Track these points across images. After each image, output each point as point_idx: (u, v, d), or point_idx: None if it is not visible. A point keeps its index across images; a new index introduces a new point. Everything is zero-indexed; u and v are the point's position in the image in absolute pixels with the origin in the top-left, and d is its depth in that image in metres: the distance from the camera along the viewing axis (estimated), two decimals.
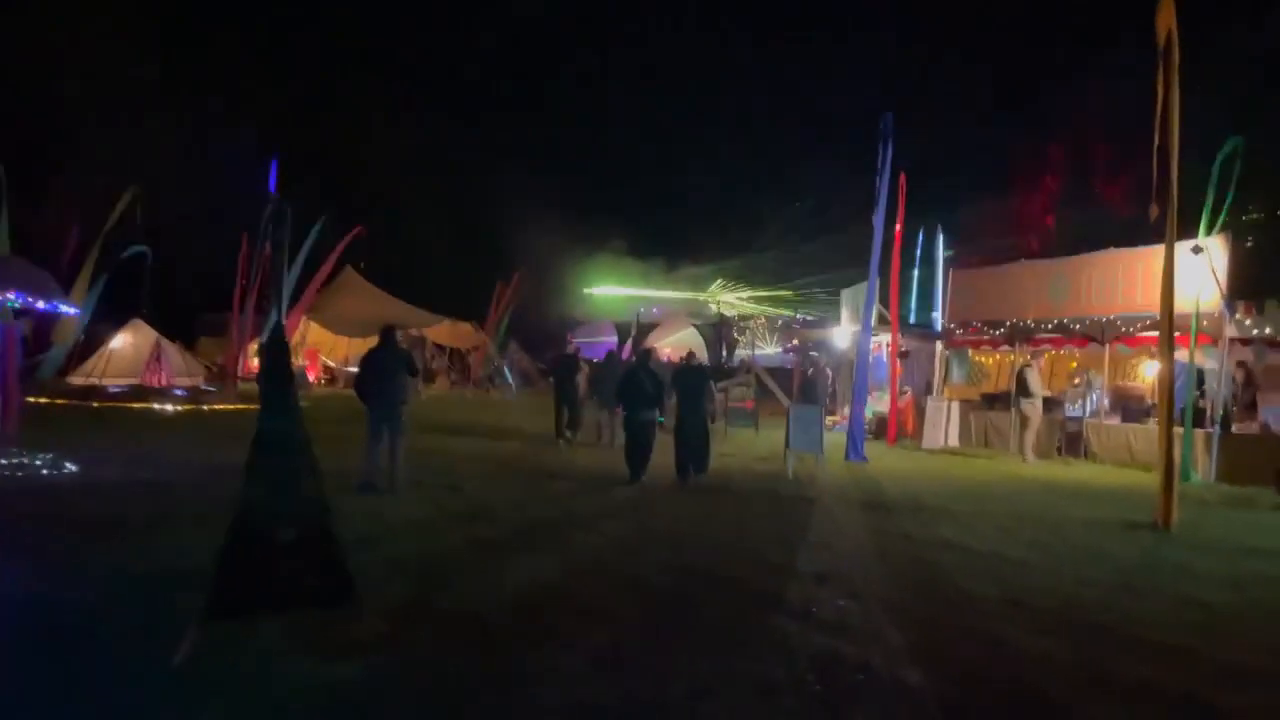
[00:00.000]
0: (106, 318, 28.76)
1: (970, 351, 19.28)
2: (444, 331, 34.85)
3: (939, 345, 18.87)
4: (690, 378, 12.71)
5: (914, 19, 62.26)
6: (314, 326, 33.71)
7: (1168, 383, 10.19)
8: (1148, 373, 18.42)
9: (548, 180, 52.98)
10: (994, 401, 18.17)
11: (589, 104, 68.54)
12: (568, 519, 9.41)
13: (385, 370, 10.51)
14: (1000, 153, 43.21)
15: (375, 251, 35.75)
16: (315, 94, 42.32)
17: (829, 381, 17.13)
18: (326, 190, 36.56)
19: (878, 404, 21.27)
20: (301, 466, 5.35)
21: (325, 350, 35.14)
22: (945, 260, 24.34)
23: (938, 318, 21.22)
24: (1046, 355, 17.29)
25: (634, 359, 14.14)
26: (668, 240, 54.62)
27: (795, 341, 34.41)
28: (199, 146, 36.15)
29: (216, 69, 37.84)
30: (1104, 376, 16.07)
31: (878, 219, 14.96)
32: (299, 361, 33.93)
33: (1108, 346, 15.53)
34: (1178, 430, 11.67)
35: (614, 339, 48.46)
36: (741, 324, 53.52)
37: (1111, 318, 15.23)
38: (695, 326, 51.04)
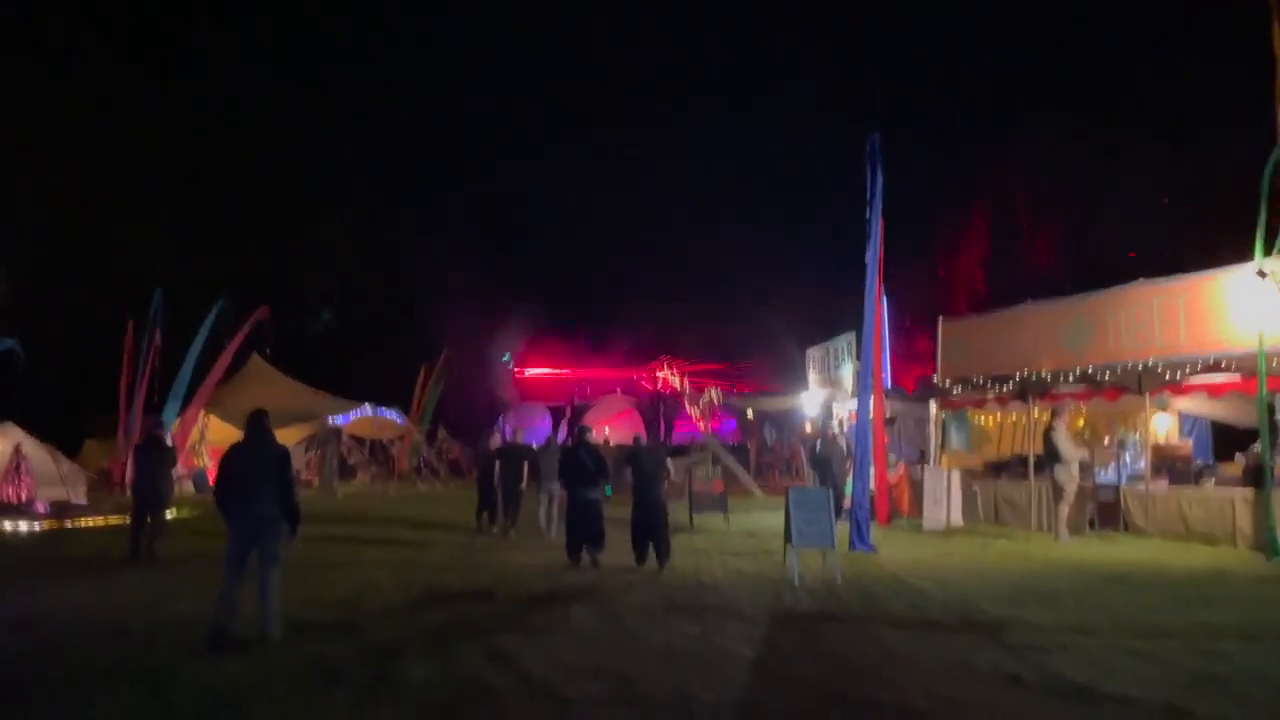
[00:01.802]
0: None
1: (969, 412, 16.82)
2: (364, 424, 31.40)
3: (933, 407, 16.35)
4: (644, 458, 11.80)
5: (837, 71, 61.79)
6: (214, 421, 29.97)
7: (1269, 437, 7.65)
8: (1159, 427, 16.15)
9: (469, 258, 50.44)
10: (1002, 470, 15.65)
11: (508, 176, 66.54)
12: (514, 675, 6.38)
13: (253, 471, 7.48)
14: (922, 213, 42.21)
15: (283, 336, 32.30)
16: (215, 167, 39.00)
17: (844, 454, 14.40)
18: (226, 269, 33.19)
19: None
20: None
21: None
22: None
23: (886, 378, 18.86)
24: (1071, 411, 14.80)
25: (570, 439, 13.67)
26: (597, 316, 52.24)
27: (750, 415, 31.96)
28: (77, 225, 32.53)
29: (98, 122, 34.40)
30: (1139, 433, 13.64)
31: (871, 256, 12.49)
32: (198, 461, 30.21)
33: (1147, 397, 13.14)
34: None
35: (548, 422, 45.81)
36: (679, 399, 51.36)
37: (1150, 363, 12.86)
38: (632, 406, 48.93)
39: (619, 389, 50.62)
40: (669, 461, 12.39)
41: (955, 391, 15.94)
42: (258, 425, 7.72)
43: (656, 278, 56.67)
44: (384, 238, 45.76)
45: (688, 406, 24.62)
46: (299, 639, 7.37)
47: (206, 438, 30.03)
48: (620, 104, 67.67)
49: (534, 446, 16.90)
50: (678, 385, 22.25)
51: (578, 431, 12.57)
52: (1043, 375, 14.42)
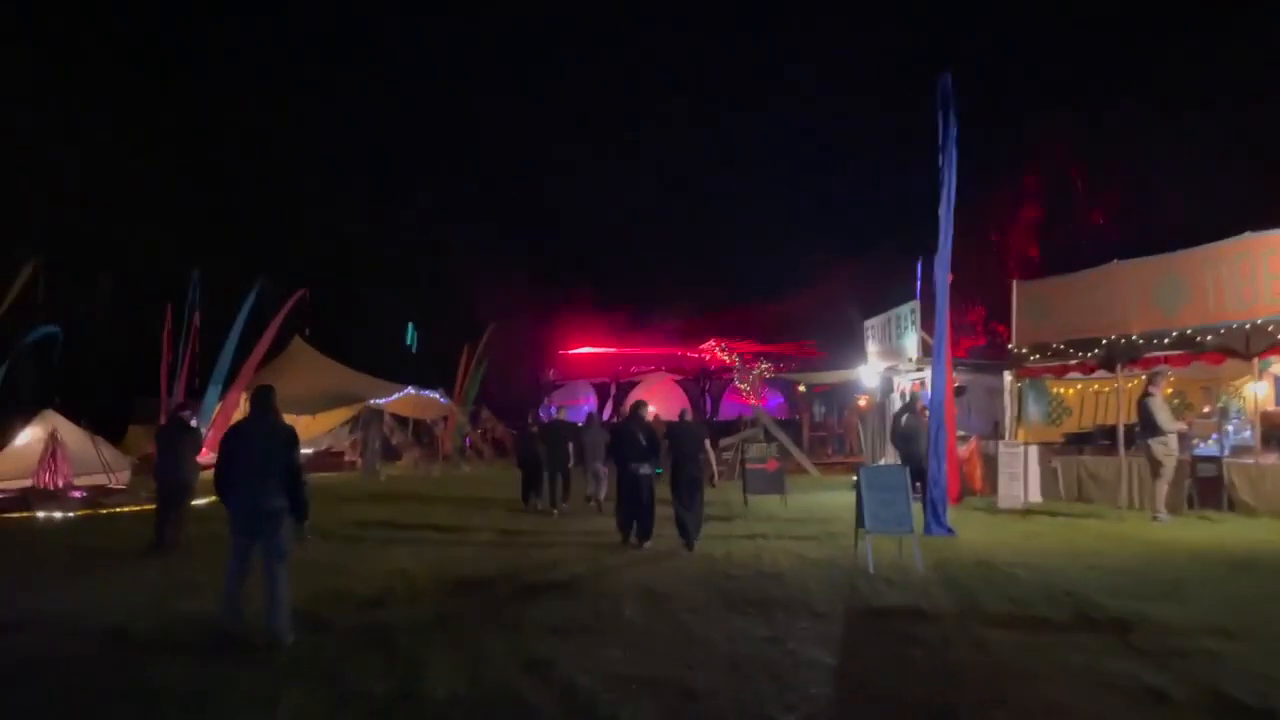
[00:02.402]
0: (13, 410, 24.74)
1: (1048, 381, 15.53)
2: (406, 403, 30.71)
3: (1007, 377, 15.10)
4: (684, 435, 11.59)
5: (880, 45, 59.83)
6: None
7: None
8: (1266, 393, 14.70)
9: (512, 236, 49.64)
10: (1085, 443, 14.40)
11: (552, 154, 65.51)
12: (554, 689, 5.42)
13: (256, 455, 6.59)
14: (974, 184, 40.41)
15: (322, 317, 31.69)
16: (251, 146, 38.50)
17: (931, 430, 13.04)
18: (265, 250, 32.64)
19: None
20: None
21: None
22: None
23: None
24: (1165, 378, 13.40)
25: (624, 414, 13.78)
26: (641, 293, 51.10)
27: (801, 388, 30.77)
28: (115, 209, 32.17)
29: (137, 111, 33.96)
30: (1243, 400, 12.32)
31: (944, 211, 11.27)
32: None
33: (1256, 361, 11.83)
34: None
35: (593, 400, 44.96)
36: (729, 376, 50.11)
37: (1260, 322, 11.54)
38: (676, 382, 47.80)
39: (663, 366, 49.64)
40: (707, 442, 11.94)
41: (1033, 359, 14.67)
42: (264, 403, 6.84)
43: (702, 252, 55.41)
44: (425, 217, 45.15)
45: (738, 382, 23.59)
46: (313, 644, 6.49)
47: None
48: (664, 81, 66.15)
49: (577, 425, 16.45)
50: (727, 359, 21.26)
51: (633, 406, 12.23)
52: (1133, 339, 13.12)
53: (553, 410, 33.60)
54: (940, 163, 11.30)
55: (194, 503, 12.55)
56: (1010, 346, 15.02)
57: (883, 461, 19.87)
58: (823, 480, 21.17)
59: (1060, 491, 14.49)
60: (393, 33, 59.57)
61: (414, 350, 38.30)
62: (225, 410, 27.65)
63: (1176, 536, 10.88)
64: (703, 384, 49.19)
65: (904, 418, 11.62)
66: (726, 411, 43.05)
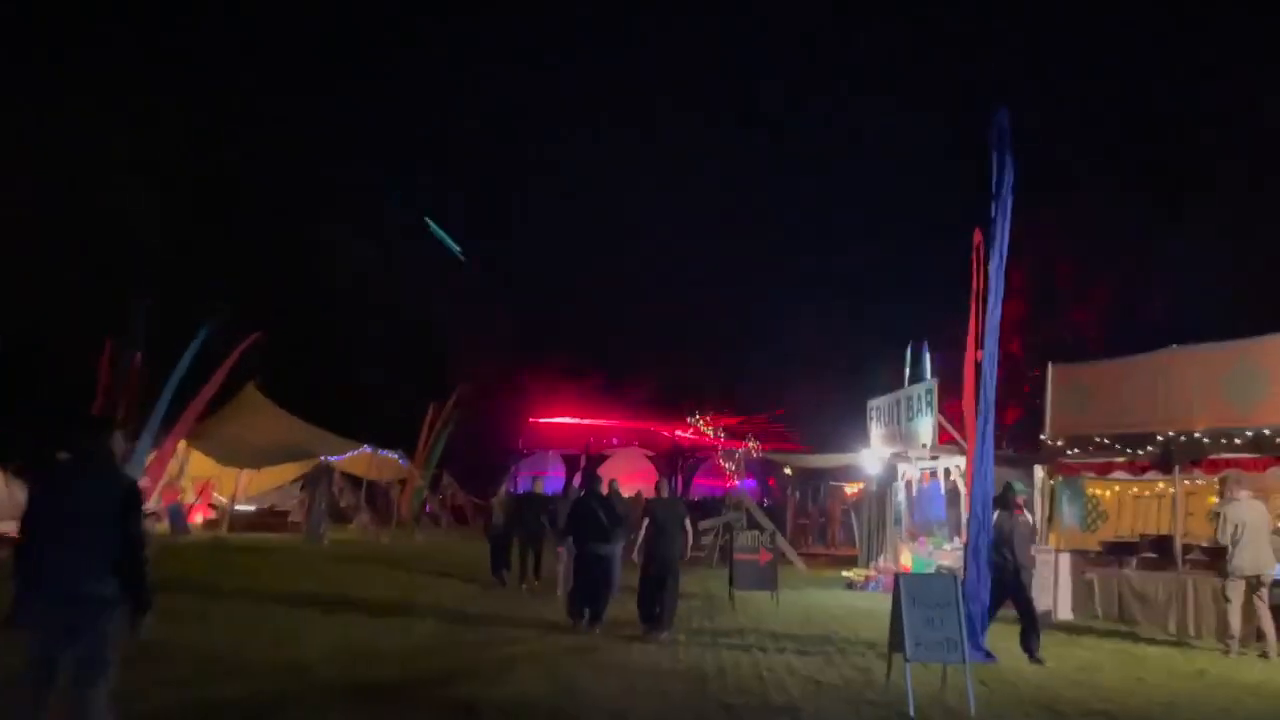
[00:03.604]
0: None
1: (1085, 480, 13.65)
2: (360, 461, 28.40)
3: (1038, 472, 13.22)
4: (663, 512, 10.86)
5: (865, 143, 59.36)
6: (197, 456, 27.07)
7: None
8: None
9: (486, 298, 47.84)
10: (1127, 554, 12.50)
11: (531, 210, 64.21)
12: None
13: (75, 517, 4.52)
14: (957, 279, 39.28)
15: (277, 363, 29.52)
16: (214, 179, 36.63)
17: (1032, 533, 10.63)
18: (220, 286, 30.58)
19: (935, 553, 15.51)
20: None
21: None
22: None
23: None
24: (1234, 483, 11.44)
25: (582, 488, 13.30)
26: (615, 364, 49.30)
27: (788, 470, 28.80)
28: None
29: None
30: None
31: (996, 268, 9.53)
32: (187, 499, 27.36)
33: None
34: None
35: (562, 472, 42.81)
36: (700, 454, 48.16)
37: None
38: (648, 458, 46.01)
39: (635, 441, 48.01)
40: (687, 521, 11.13)
41: (1070, 453, 12.85)
42: (95, 442, 4.77)
43: (680, 327, 53.88)
44: (397, 272, 43.31)
45: (721, 460, 21.77)
46: None
47: (187, 471, 27.20)
48: (642, 143, 65.31)
49: (554, 496, 15.05)
50: (712, 435, 19.56)
51: (588, 481, 11.93)
52: (1196, 436, 11.33)
53: (520, 480, 31.45)
54: (993, 212, 9.58)
55: None
56: (1043, 437, 13.19)
57: (880, 561, 17.89)
58: (810, 576, 19.11)
59: (1097, 608, 12.54)
60: (368, 76, 58.46)
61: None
62: (160, 459, 25.33)
63: (1269, 678, 8.93)
64: (675, 461, 47.53)
65: (996, 515, 9.57)
66: (697, 491, 41.22)
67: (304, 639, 9.13)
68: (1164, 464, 11.86)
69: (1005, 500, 9.77)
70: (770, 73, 65.24)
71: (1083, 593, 12.84)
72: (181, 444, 26.01)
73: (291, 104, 50.98)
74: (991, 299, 9.62)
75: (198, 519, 27.14)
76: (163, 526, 24.41)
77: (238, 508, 27.17)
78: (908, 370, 22.93)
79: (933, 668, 7.83)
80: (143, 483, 25.71)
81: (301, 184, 38.58)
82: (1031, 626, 9.51)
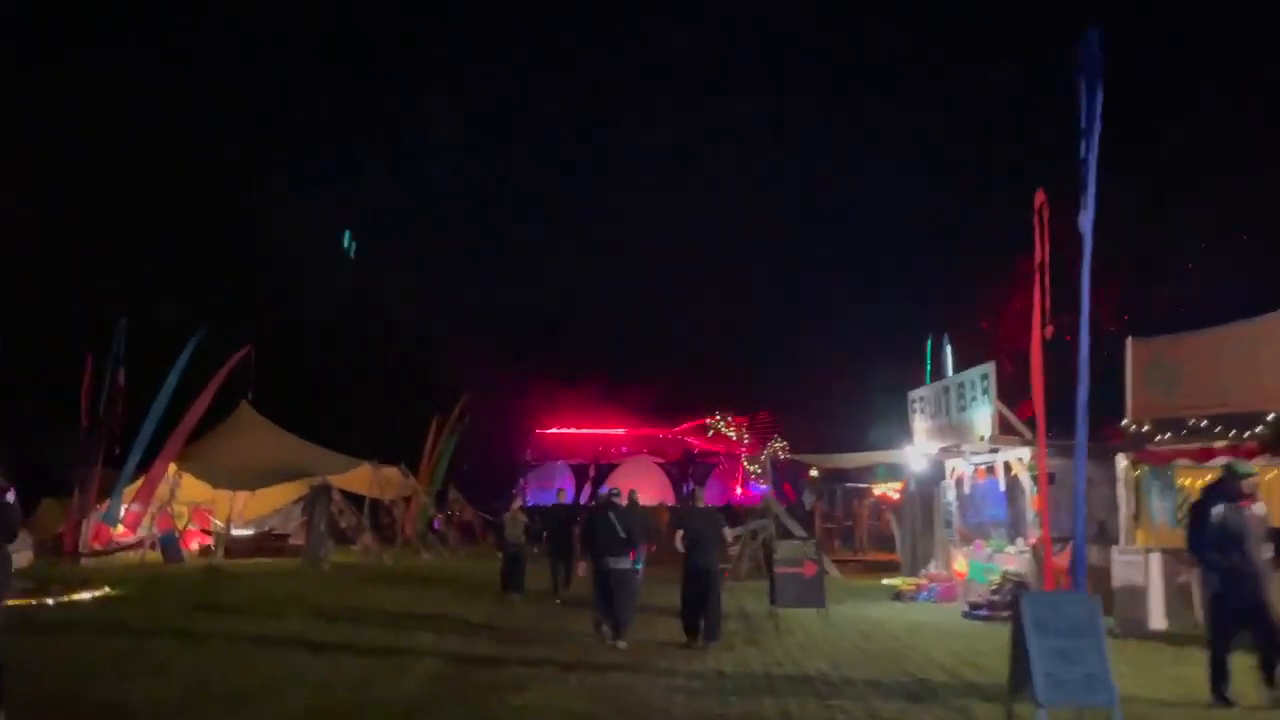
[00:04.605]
0: None
1: (1174, 470, 12.00)
2: (361, 478, 26.79)
3: (1120, 461, 11.62)
4: (697, 521, 10.88)
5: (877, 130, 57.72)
6: (189, 479, 25.45)
7: None
8: None
9: (491, 306, 46.43)
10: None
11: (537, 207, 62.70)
12: None
13: None
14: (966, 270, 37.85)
15: (273, 380, 27.97)
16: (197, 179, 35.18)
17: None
18: (208, 298, 29.11)
19: (996, 557, 13.91)
20: None
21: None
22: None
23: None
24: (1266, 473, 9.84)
25: (597, 500, 13.04)
26: (622, 372, 47.79)
27: (813, 472, 27.20)
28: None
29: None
30: None
31: (1085, 221, 7.96)
32: (182, 525, 25.80)
33: None
34: None
35: (570, 483, 41.39)
36: (714, 460, 46.66)
37: None
38: (659, 465, 44.66)
39: (645, 450, 46.72)
40: (725, 530, 11.29)
41: (1159, 439, 11.25)
42: None
43: (691, 330, 52.29)
44: (400, 281, 41.89)
45: (745, 464, 20.29)
46: None
47: (178, 495, 25.59)
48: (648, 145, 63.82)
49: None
50: (734, 438, 18.15)
51: (604, 495, 11.56)
52: None
53: (531, 493, 29.91)
54: (1081, 151, 7.98)
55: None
56: (1125, 423, 11.60)
57: (930, 567, 16.28)
58: (847, 584, 17.51)
59: (1197, 615, 10.92)
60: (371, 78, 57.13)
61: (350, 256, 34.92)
62: (148, 485, 23.81)
63: None
64: (685, 468, 46.18)
65: (1221, 509, 7.66)
66: (709, 499, 39.74)
67: (278, 693, 7.56)
68: (1277, 446, 10.28)
69: (1228, 489, 7.62)
70: (774, 62, 63.64)
71: (1176, 597, 11.26)
72: (171, 467, 24.49)
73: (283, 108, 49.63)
74: (1084, 259, 8.04)
75: (194, 546, 25.60)
76: (154, 556, 22.93)
77: (234, 532, 25.63)
78: (928, 365, 21.53)
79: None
80: (133, 509, 24.28)
81: (286, 188, 37.08)
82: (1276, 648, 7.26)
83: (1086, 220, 7.99)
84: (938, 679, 8.41)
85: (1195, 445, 10.98)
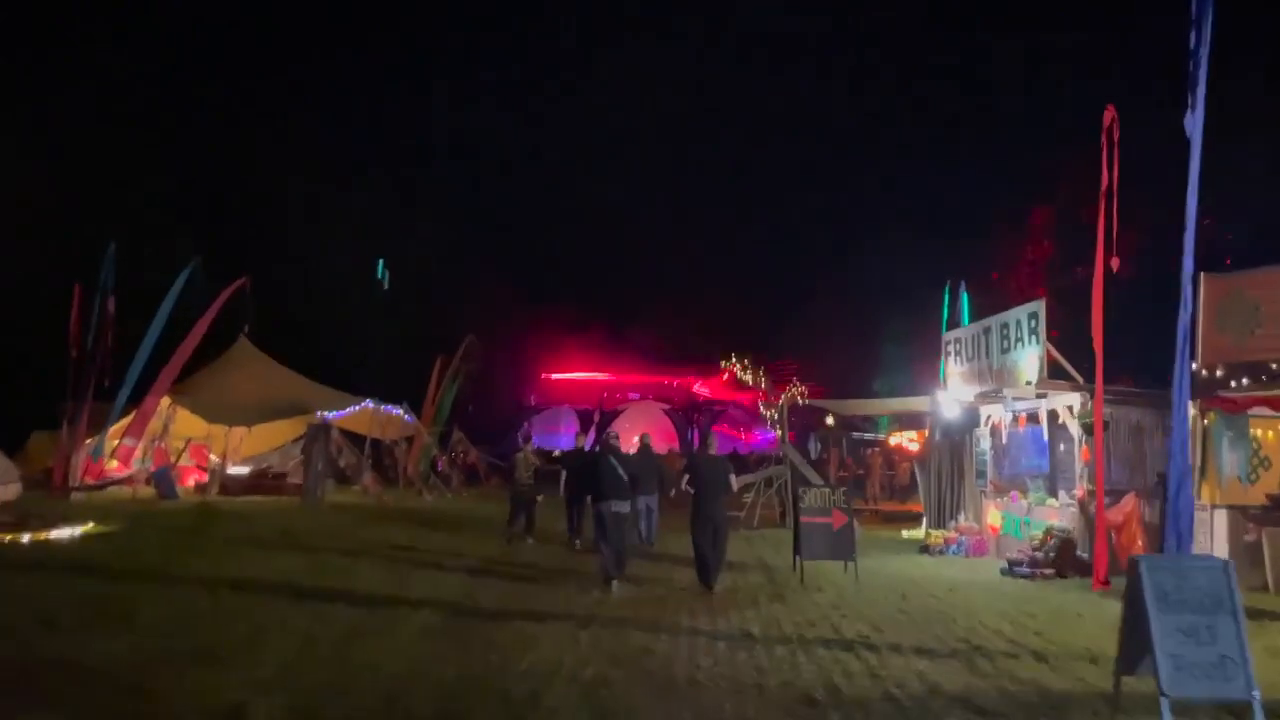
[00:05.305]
0: None
1: (1250, 420, 10.97)
2: (362, 418, 25.91)
3: (1191, 409, 10.62)
4: (707, 467, 10.78)
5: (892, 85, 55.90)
6: (183, 413, 24.55)
7: None
8: None
9: (497, 247, 45.24)
10: None
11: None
12: None
13: None
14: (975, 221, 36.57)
15: (269, 312, 26.96)
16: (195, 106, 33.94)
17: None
18: (201, 227, 27.95)
19: (1036, 510, 12.96)
20: None
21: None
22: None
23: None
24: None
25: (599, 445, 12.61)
26: (629, 316, 46.79)
27: (829, 420, 26.26)
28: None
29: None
30: None
31: (1193, 123, 6.86)
32: (181, 462, 24.96)
33: None
34: None
35: (574, 428, 40.71)
36: (720, 408, 45.88)
37: None
38: (665, 411, 43.93)
39: (650, 395, 46.00)
40: (731, 478, 10.96)
41: (1234, 384, 10.24)
42: None
43: (698, 272, 50.98)
44: (403, 219, 40.63)
45: (763, 409, 19.43)
46: None
47: (171, 430, 24.69)
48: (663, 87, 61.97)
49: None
50: (751, 382, 17.29)
51: (604, 438, 11.70)
52: None
53: (535, 438, 28.98)
54: (1192, 42, 6.82)
55: None
56: (1195, 367, 10.57)
57: (960, 519, 15.35)
58: (868, 536, 16.60)
59: (1268, 579, 10.00)
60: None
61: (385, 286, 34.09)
62: (140, 419, 22.92)
63: None
64: (691, 415, 45.41)
65: None
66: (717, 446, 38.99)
67: (253, 649, 6.65)
68: None
69: None
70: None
71: (1244, 557, 10.29)
72: (165, 401, 23.59)
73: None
74: (1192, 165, 6.91)
75: (190, 483, 24.75)
76: (148, 491, 22.10)
77: (231, 470, 24.78)
78: (944, 312, 20.47)
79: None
80: (126, 443, 23.44)
81: (293, 130, 35.79)
82: None
83: (1195, 121, 6.86)
84: (995, 646, 7.48)
85: (1275, 392, 9.95)
